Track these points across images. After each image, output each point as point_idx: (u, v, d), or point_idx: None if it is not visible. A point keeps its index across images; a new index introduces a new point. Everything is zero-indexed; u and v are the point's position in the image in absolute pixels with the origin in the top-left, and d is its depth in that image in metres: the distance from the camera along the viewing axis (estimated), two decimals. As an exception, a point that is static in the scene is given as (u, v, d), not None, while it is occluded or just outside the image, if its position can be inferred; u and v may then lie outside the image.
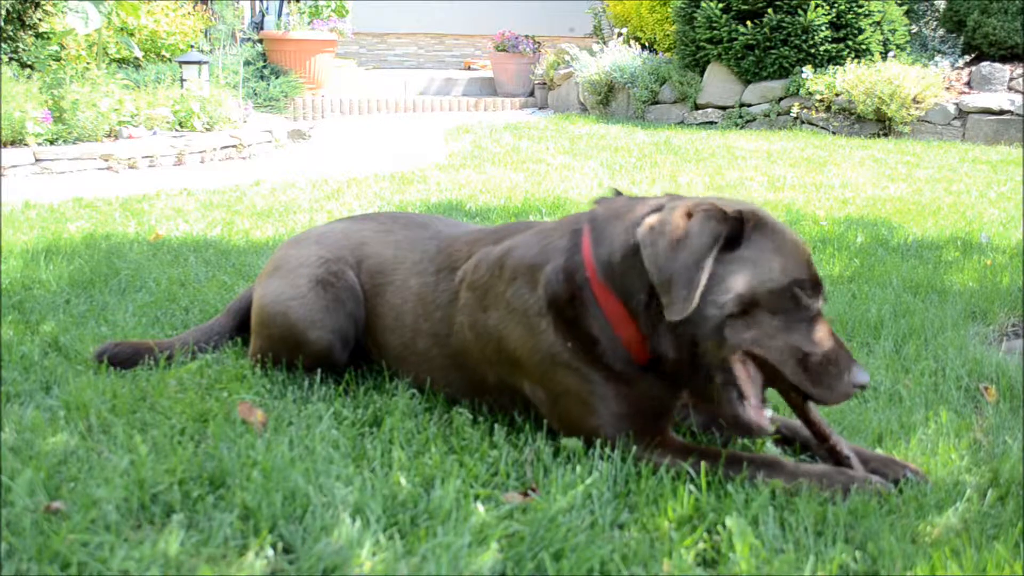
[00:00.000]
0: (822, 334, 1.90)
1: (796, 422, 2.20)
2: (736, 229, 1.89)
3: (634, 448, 2.00)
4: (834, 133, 9.72)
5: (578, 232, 2.10)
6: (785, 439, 2.15)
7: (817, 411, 2.02)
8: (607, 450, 2.02)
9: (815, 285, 1.92)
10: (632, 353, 2.01)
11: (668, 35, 11.94)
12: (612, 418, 2.03)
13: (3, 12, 7.67)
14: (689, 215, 1.90)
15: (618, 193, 2.18)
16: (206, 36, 11.13)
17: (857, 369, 1.89)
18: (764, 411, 1.94)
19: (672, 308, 1.85)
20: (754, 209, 1.96)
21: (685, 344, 1.92)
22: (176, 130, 7.89)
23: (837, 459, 2.00)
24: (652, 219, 1.93)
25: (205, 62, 8.73)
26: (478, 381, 2.27)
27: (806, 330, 1.89)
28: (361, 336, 2.49)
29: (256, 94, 10.70)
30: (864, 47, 10.05)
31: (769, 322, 1.88)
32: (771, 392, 2.51)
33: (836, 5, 9.97)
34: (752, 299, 1.87)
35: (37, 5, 8.05)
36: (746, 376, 1.91)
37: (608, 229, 2.03)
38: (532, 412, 2.23)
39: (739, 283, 1.87)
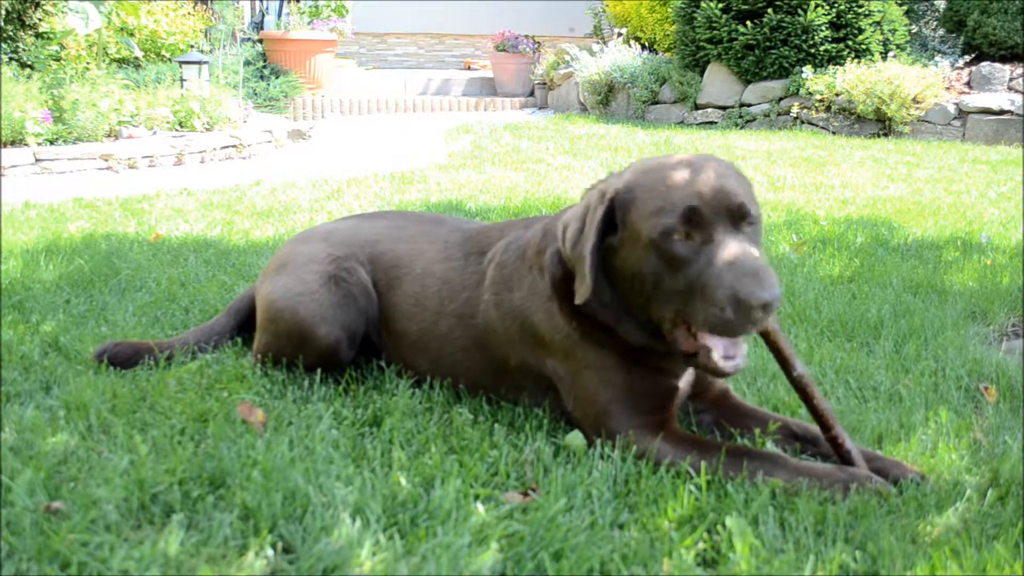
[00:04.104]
0: (714, 271, 1.84)
1: (799, 420, 2.20)
2: (614, 208, 2.00)
3: (636, 442, 2.01)
4: (834, 133, 9.72)
5: None
6: (787, 437, 2.15)
7: (824, 401, 2.02)
8: (607, 449, 2.02)
9: (689, 220, 1.88)
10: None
11: (668, 35, 11.95)
12: (623, 394, 2.07)
13: (3, 12, 7.67)
14: (587, 206, 2.04)
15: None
16: (206, 36, 11.13)
17: (750, 291, 1.78)
18: (732, 358, 1.93)
19: (577, 292, 2.02)
20: (628, 181, 2.00)
21: (644, 320, 2.03)
22: (176, 130, 7.89)
23: (839, 451, 2.00)
24: (566, 214, 2.11)
25: (205, 62, 8.73)
26: (500, 361, 2.30)
27: (702, 270, 1.86)
28: (371, 331, 2.51)
29: (256, 94, 10.70)
30: (864, 47, 10.05)
31: (671, 283, 1.91)
32: (771, 395, 2.51)
33: (836, 5, 9.98)
34: (646, 272, 1.94)
35: (37, 5, 8.05)
36: (685, 336, 1.96)
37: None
38: (544, 401, 2.26)
39: (630, 264, 1.97)
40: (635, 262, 1.96)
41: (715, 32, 10.35)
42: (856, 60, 9.93)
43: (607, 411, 2.08)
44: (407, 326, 2.45)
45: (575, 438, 2.10)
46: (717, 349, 1.92)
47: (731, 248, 1.85)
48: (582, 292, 1.99)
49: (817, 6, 9.85)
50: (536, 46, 13.39)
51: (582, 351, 2.12)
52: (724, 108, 10.66)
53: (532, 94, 13.28)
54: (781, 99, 10.27)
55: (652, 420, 2.05)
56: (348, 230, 2.65)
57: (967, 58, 10.15)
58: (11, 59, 7.79)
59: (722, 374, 1.96)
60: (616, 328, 2.07)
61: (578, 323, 2.12)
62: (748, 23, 10.15)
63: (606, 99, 11.72)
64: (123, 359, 2.59)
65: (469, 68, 14.92)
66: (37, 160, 6.58)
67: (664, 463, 1.97)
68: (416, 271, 2.46)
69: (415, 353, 2.45)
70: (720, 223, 1.88)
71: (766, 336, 2.01)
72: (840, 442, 2.00)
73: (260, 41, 12.12)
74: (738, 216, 1.90)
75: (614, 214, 1.99)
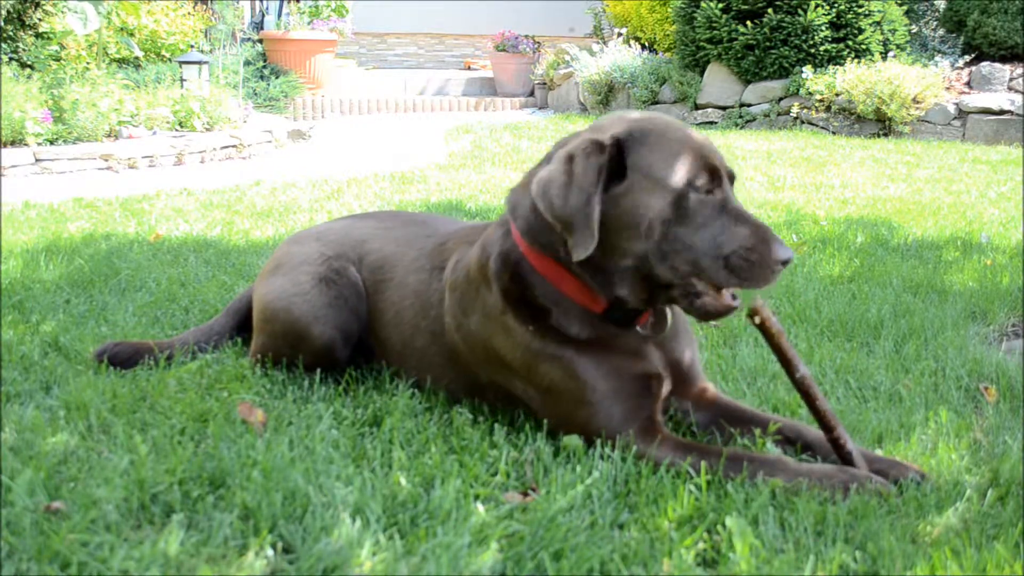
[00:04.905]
0: (737, 223, 1.92)
1: (798, 422, 2.20)
2: (618, 154, 1.95)
3: (635, 447, 2.00)
4: (834, 133, 9.73)
5: (507, 220, 2.18)
6: (786, 439, 2.15)
7: (825, 401, 2.02)
8: (607, 449, 2.02)
9: (712, 177, 1.94)
10: (585, 305, 2.06)
11: (668, 35, 11.95)
12: (600, 398, 2.04)
13: (3, 12, 7.67)
14: (571, 158, 1.96)
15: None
16: (206, 36, 11.13)
17: (778, 247, 1.89)
18: (724, 294, 1.95)
19: (577, 247, 1.92)
20: (631, 127, 1.98)
21: (630, 272, 1.97)
22: (176, 130, 7.89)
23: (841, 452, 2.00)
24: (541, 173, 2.01)
25: (205, 62, 8.74)
26: (473, 380, 2.28)
27: (720, 225, 1.92)
28: (364, 333, 2.50)
29: (256, 94, 10.70)
30: (864, 47, 10.06)
31: (688, 226, 1.91)
32: (771, 395, 2.51)
33: (836, 5, 9.98)
34: (661, 220, 1.91)
35: (37, 5, 8.05)
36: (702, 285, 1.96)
37: (519, 199, 2.11)
38: (529, 410, 2.23)
39: (641, 211, 1.92)
40: (645, 210, 1.91)
41: (715, 32, 10.35)
42: (856, 60, 9.93)
43: (588, 427, 2.05)
44: (390, 335, 2.44)
45: (575, 438, 2.10)
46: (725, 296, 1.95)
47: (746, 211, 1.96)
48: (585, 246, 1.90)
49: (817, 6, 9.85)
50: (536, 46, 13.39)
51: (546, 365, 2.08)
52: (724, 108, 10.66)
53: (532, 94, 13.28)
54: (781, 99, 10.27)
55: (639, 426, 2.03)
56: (341, 230, 2.64)
57: (967, 58, 10.16)
58: (11, 59, 7.79)
59: (724, 311, 1.95)
60: (592, 283, 2.02)
61: (536, 327, 2.08)
62: (748, 23, 10.15)
63: (606, 99, 11.72)
64: (123, 359, 2.59)
65: (469, 68, 14.92)
66: (37, 160, 6.58)
67: (664, 463, 1.97)
68: (396, 278, 2.44)
69: (400, 362, 2.44)
70: (726, 183, 1.97)
71: (770, 338, 2.00)
72: (842, 443, 2.00)
73: (260, 41, 12.12)
74: (733, 179, 2.02)
75: (617, 160, 1.95)
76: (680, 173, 1.92)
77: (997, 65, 9.80)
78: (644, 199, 1.92)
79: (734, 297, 1.96)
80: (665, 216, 1.91)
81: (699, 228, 1.91)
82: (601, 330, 2.07)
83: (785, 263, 1.90)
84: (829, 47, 10.00)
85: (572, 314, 2.07)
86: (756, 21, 10.13)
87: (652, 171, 1.93)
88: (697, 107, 10.85)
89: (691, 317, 2.08)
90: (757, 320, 1.96)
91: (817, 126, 9.95)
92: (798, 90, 10.00)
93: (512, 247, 2.13)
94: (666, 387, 2.15)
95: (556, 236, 2.01)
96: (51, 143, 6.84)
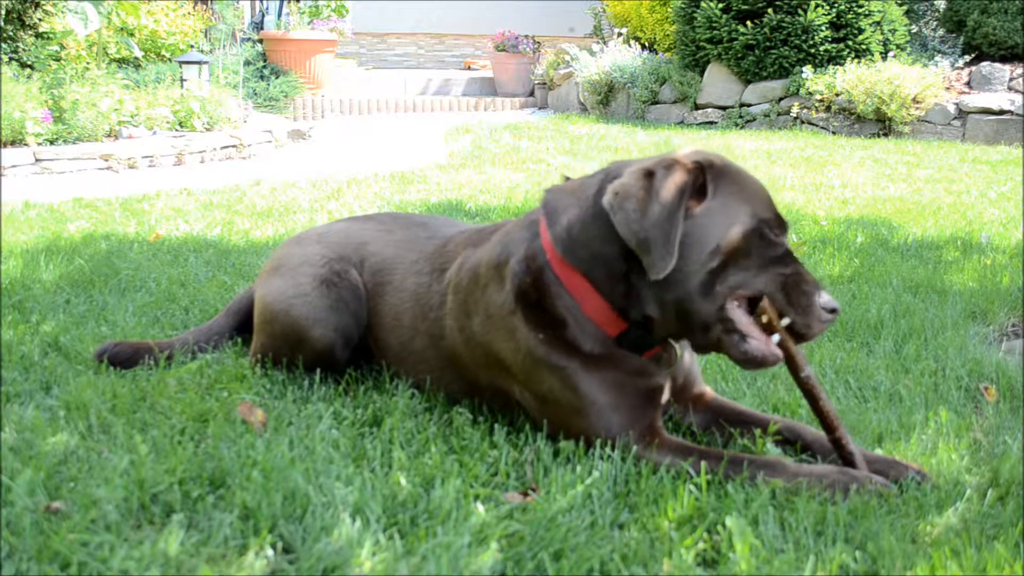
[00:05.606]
0: (795, 267, 1.96)
1: (797, 423, 2.20)
2: (699, 179, 1.94)
3: (634, 448, 2.00)
4: (834, 133, 9.73)
5: (535, 222, 2.14)
6: (786, 440, 2.15)
7: (829, 402, 2.01)
8: (607, 450, 2.02)
9: (780, 223, 1.99)
10: (601, 326, 2.03)
11: (668, 35, 11.95)
12: (599, 410, 2.03)
13: (3, 12, 7.67)
14: (650, 174, 1.93)
15: (568, 179, 2.20)
16: (206, 36, 11.13)
17: (827, 296, 1.95)
18: (770, 340, 1.95)
19: (654, 267, 1.88)
20: (710, 157, 1.99)
21: (670, 303, 1.94)
22: (176, 130, 7.89)
23: (842, 453, 2.00)
24: (615, 185, 1.95)
25: (205, 62, 8.74)
26: (472, 383, 2.28)
27: (780, 264, 1.95)
28: (363, 335, 2.50)
29: (256, 94, 10.70)
30: (864, 47, 10.06)
31: (746, 264, 1.92)
32: (771, 395, 2.51)
33: (836, 5, 9.98)
34: (729, 249, 1.91)
35: (37, 5, 8.05)
36: (747, 320, 1.94)
37: (561, 206, 2.07)
38: (527, 415, 2.23)
39: (713, 235, 1.91)
40: (714, 238, 1.90)
41: (715, 32, 10.35)
42: (856, 60, 9.93)
43: (585, 435, 2.04)
44: (389, 338, 2.44)
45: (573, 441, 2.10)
46: (756, 336, 1.94)
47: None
48: (662, 266, 1.86)
49: (817, 6, 9.85)
50: (536, 46, 13.39)
51: (546, 372, 2.05)
52: (724, 108, 10.66)
53: (532, 94, 13.28)
54: (781, 99, 10.27)
55: (638, 431, 2.02)
56: (341, 232, 2.63)
57: (967, 58, 10.15)
58: (11, 59, 7.79)
59: (771, 360, 1.94)
60: (631, 301, 1.99)
61: (545, 335, 2.05)
62: (748, 23, 10.15)
63: (606, 99, 11.72)
64: (123, 359, 2.59)
65: (469, 68, 14.91)
66: (37, 160, 6.58)
67: (664, 464, 1.97)
68: (395, 281, 2.43)
69: (398, 364, 2.44)
70: (785, 230, 2.01)
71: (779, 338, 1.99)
72: (844, 444, 2.00)
73: (260, 41, 12.12)
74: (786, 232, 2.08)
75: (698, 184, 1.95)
76: (757, 208, 1.95)
77: (997, 65, 9.80)
78: (715, 230, 1.91)
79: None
80: (734, 246, 1.91)
81: (760, 265, 1.93)
82: (610, 349, 2.05)
83: (832, 312, 1.94)
84: (829, 47, 10.00)
85: (586, 331, 2.04)
86: (756, 21, 10.13)
87: (730, 201, 1.93)
88: (697, 107, 10.85)
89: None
90: (764, 319, 1.96)
91: (817, 126, 9.95)
92: (798, 90, 10.00)
93: (539, 251, 2.08)
94: (665, 394, 2.15)
95: (606, 250, 1.97)
96: (51, 143, 6.84)
